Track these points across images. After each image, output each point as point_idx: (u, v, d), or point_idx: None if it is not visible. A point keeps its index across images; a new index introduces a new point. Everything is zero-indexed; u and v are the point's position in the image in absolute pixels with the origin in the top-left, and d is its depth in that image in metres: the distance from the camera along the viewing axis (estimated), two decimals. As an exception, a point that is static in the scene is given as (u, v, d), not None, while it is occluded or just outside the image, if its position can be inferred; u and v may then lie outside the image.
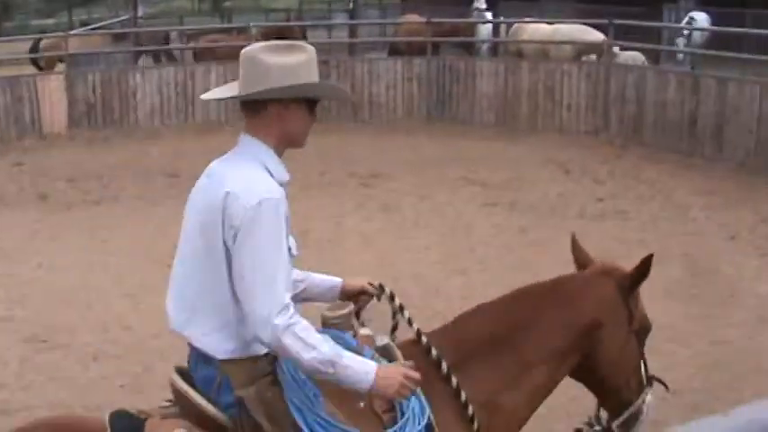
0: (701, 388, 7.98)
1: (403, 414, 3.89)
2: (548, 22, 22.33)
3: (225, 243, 3.63)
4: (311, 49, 3.87)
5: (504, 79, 19.30)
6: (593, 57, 19.88)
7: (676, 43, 24.04)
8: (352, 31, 31.29)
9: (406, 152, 16.95)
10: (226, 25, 31.71)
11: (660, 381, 4.64)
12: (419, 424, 3.89)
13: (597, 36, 19.69)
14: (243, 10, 41.85)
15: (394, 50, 22.84)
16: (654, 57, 22.90)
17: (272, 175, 3.74)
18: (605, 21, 19.16)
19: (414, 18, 23.49)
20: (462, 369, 4.16)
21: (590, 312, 4.38)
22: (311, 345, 3.55)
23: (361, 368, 3.66)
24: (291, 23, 26.66)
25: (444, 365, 4.13)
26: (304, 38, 24.37)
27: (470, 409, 4.08)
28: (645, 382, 4.53)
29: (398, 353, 4.13)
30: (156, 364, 8.30)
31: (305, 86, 3.77)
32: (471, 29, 24.15)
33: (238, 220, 3.58)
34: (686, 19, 26.06)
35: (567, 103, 18.76)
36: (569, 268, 10.80)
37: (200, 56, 21.30)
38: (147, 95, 19.32)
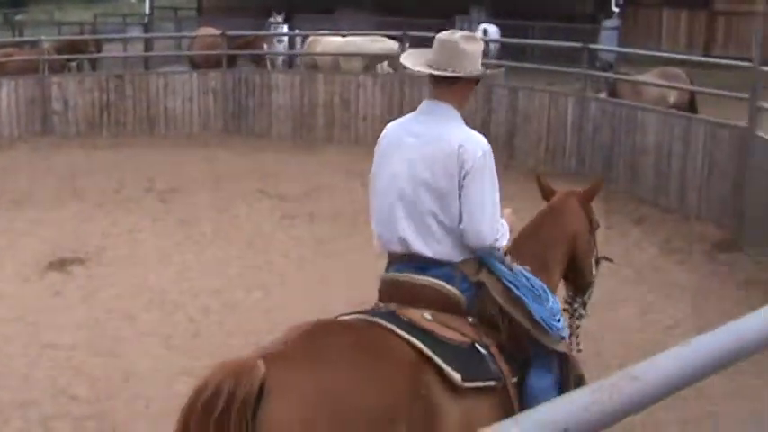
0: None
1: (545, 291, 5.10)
2: (342, 35, 22.55)
3: (458, 183, 4.70)
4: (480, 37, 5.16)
5: (299, 92, 19.36)
6: (386, 65, 20.13)
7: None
8: (148, 45, 30.95)
9: (203, 166, 16.81)
10: (18, 39, 30.86)
11: (606, 258, 6.34)
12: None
13: (389, 44, 19.93)
14: (35, 23, 40.73)
15: (194, 63, 22.64)
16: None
17: None
18: (399, 33, 19.46)
19: (209, 31, 23.36)
20: None
21: (573, 224, 5.87)
22: (504, 235, 4.95)
23: (505, 223, 5.05)
24: (85, 37, 26.10)
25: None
26: (98, 51, 24.02)
27: None
28: (595, 262, 6.14)
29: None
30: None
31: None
32: (267, 42, 24.14)
33: (469, 165, 4.66)
34: (479, 31, 26.68)
35: (362, 114, 18.98)
36: (366, 278, 10.96)
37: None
38: (-66, 112, 18.61)
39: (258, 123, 19.53)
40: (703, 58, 24.07)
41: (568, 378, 5.04)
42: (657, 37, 37.02)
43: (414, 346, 4.33)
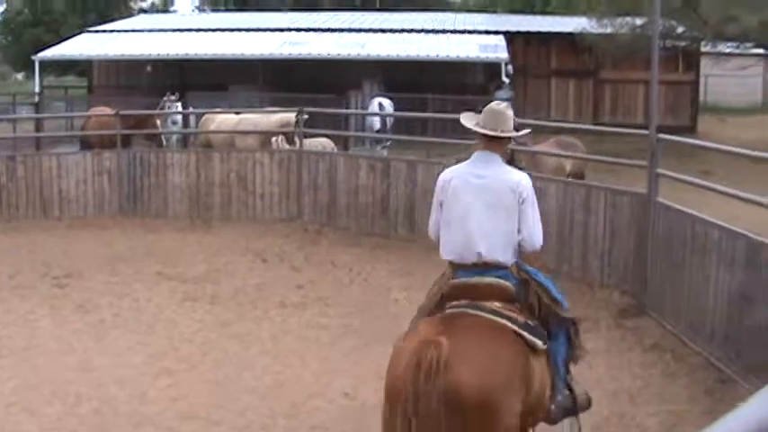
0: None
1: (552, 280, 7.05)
2: (236, 112, 22.44)
3: (518, 206, 6.59)
4: None
5: (195, 170, 19.10)
6: (282, 140, 19.99)
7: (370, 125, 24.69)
8: (39, 125, 30.47)
9: (99, 249, 16.46)
10: None
11: None
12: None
13: (287, 115, 19.79)
14: None
15: (86, 144, 22.26)
16: (343, 142, 23.40)
17: None
18: (295, 110, 19.41)
19: (102, 110, 23.05)
20: None
21: (539, 259, 7.49)
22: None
23: None
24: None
25: None
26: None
27: None
28: None
29: None
30: None
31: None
32: (161, 119, 23.90)
33: (525, 195, 6.61)
34: (375, 105, 26.82)
35: (260, 191, 18.81)
36: (276, 360, 10.77)
37: None
38: None
39: (154, 203, 19.18)
40: (600, 128, 24.48)
41: (577, 334, 7.05)
42: (547, 106, 37.73)
43: (506, 326, 6.26)
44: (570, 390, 6.93)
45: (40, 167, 18.92)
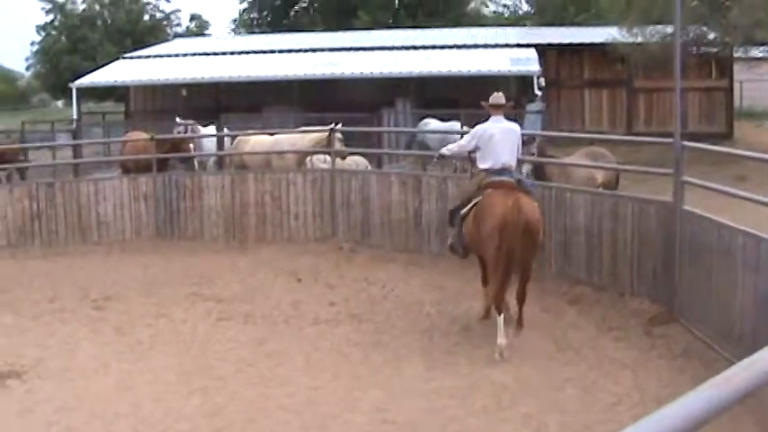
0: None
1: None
2: (270, 133, 22.64)
3: (518, 139, 12.56)
4: None
5: (230, 192, 19.34)
6: (319, 160, 20.18)
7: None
8: (77, 151, 30.80)
9: (137, 272, 16.72)
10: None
11: None
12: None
13: (319, 135, 19.95)
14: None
15: (125, 169, 22.51)
16: (377, 159, 23.52)
17: None
18: (328, 129, 19.60)
19: (138, 135, 23.33)
20: None
21: None
22: None
23: None
24: (13, 146, 25.98)
25: None
26: (26, 159, 23.89)
27: None
28: None
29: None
30: None
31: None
32: (195, 143, 24.15)
33: (519, 133, 12.61)
34: (433, 124, 26.98)
35: (294, 211, 19.01)
36: (308, 376, 10.90)
37: None
38: None
39: (191, 226, 19.42)
40: (626, 137, 24.46)
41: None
42: (581, 117, 37.71)
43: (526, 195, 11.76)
44: None
45: (78, 193, 19.24)
